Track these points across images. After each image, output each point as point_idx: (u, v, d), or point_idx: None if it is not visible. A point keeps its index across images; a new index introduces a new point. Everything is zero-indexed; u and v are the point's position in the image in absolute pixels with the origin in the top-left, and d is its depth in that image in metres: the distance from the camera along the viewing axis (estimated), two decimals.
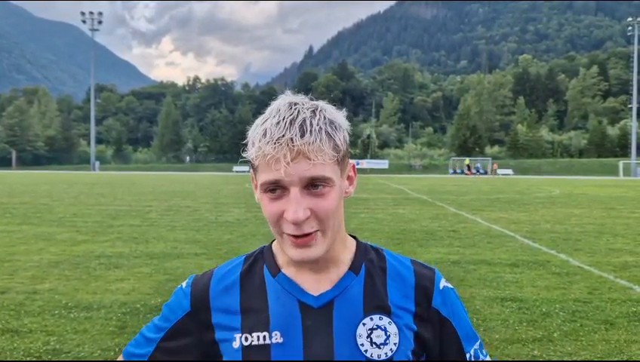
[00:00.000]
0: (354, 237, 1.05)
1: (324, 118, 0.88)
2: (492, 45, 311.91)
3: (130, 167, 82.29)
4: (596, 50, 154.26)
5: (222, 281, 1.02)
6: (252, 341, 0.95)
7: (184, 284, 1.05)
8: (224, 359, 0.98)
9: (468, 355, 1.02)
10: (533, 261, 7.84)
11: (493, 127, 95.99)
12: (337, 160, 0.90)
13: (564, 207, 17.06)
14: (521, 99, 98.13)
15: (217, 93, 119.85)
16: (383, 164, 71.81)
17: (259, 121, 0.90)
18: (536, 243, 9.61)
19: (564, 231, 11.18)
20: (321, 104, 0.92)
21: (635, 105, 69.06)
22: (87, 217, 13.26)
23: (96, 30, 79.96)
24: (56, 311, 5.15)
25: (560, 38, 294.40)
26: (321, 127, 0.86)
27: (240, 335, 0.96)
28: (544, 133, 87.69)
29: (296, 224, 0.87)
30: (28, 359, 4.03)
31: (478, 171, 65.88)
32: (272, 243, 1.05)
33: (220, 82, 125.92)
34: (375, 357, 0.92)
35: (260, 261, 1.03)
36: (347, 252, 1.01)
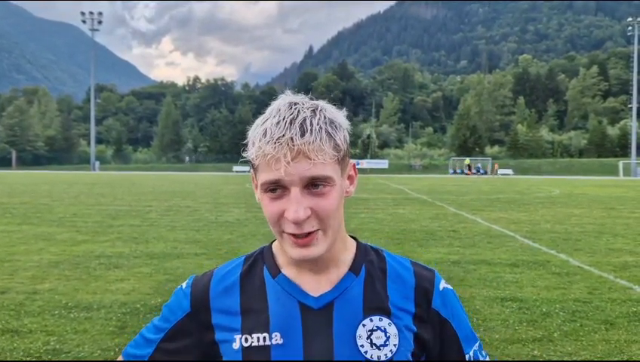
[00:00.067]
0: (354, 238, 1.04)
1: (325, 117, 0.88)
2: (492, 45, 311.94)
3: (130, 167, 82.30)
4: (596, 50, 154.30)
5: (222, 282, 1.01)
6: (252, 342, 0.95)
7: (184, 285, 1.05)
8: (224, 360, 0.98)
9: (467, 356, 1.02)
10: (533, 261, 7.84)
11: (493, 127, 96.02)
12: (338, 159, 0.90)
13: (564, 207, 17.06)
14: (521, 99, 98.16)
15: (217, 93, 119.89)
16: (383, 164, 71.83)
17: (259, 121, 0.90)
18: (536, 243, 9.60)
19: (564, 231, 11.18)
20: (322, 104, 0.92)
21: (635, 105, 69.06)
22: (87, 217, 13.26)
23: (96, 30, 79.96)
24: (56, 311, 5.15)
25: (560, 38, 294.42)
26: (321, 127, 0.86)
27: (240, 336, 0.96)
28: (544, 133, 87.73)
29: (297, 223, 0.87)
30: (28, 359, 4.02)
31: (478, 171, 65.83)
32: (271, 243, 1.05)
33: (220, 82, 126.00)
34: (375, 358, 0.92)
35: (260, 262, 1.03)
36: (347, 252, 1.01)
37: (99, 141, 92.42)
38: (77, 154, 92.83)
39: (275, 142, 0.85)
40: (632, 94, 71.35)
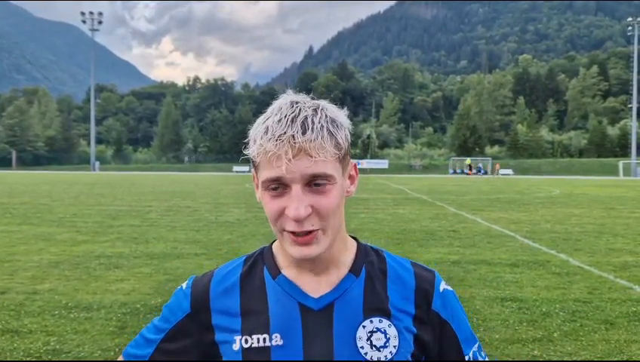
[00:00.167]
0: (354, 239, 1.04)
1: (326, 116, 0.88)
2: (492, 45, 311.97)
3: (130, 167, 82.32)
4: (596, 50, 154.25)
5: (222, 283, 1.01)
6: (252, 343, 0.95)
7: (184, 285, 1.05)
8: (224, 360, 0.98)
9: (467, 357, 1.02)
10: (533, 261, 7.84)
11: (493, 127, 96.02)
12: (339, 158, 0.90)
13: (564, 207, 17.06)
14: (521, 99, 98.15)
15: (217, 93, 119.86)
16: (383, 164, 71.85)
17: (260, 119, 0.91)
18: (536, 243, 9.60)
19: (564, 231, 11.18)
20: (323, 103, 0.92)
21: (635, 105, 69.07)
22: (87, 217, 13.26)
23: (96, 30, 79.98)
24: (56, 312, 5.15)
25: (560, 38, 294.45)
26: (322, 125, 0.87)
27: (240, 337, 0.96)
28: (544, 133, 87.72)
29: (298, 221, 0.87)
30: (28, 359, 4.02)
31: (479, 171, 65.78)
32: (271, 244, 1.05)
33: (220, 82, 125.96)
34: (375, 360, 0.92)
35: (260, 262, 1.03)
36: (348, 253, 1.01)
37: (99, 141, 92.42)
38: (77, 154, 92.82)
39: (276, 140, 0.85)
40: (632, 94, 71.36)
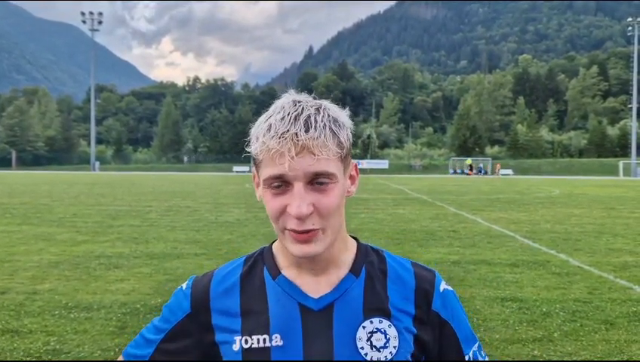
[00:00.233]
0: (355, 239, 1.04)
1: (329, 115, 0.89)
2: (492, 45, 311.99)
3: (130, 167, 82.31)
4: (596, 50, 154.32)
5: (222, 283, 1.01)
6: (252, 343, 0.95)
7: (184, 286, 1.05)
8: (224, 360, 0.98)
9: (467, 357, 1.02)
10: (533, 261, 7.84)
11: (493, 127, 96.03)
12: (341, 157, 0.90)
13: (564, 207, 17.06)
14: (521, 99, 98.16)
15: (217, 93, 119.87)
16: (383, 164, 71.86)
17: (262, 117, 0.91)
18: (536, 243, 9.61)
19: (564, 231, 11.18)
20: (325, 103, 0.93)
21: (635, 105, 69.06)
22: (87, 217, 13.26)
23: (96, 30, 79.98)
24: (57, 312, 5.15)
25: (560, 38, 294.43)
26: (325, 124, 0.87)
27: (240, 337, 0.96)
28: (544, 133, 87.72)
29: (300, 218, 0.87)
30: (28, 359, 4.03)
31: (480, 172, 65.74)
32: (271, 244, 1.05)
33: (219, 82, 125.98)
34: (375, 360, 0.92)
35: (260, 263, 1.03)
36: (348, 253, 1.01)
37: (99, 141, 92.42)
38: (77, 154, 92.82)
39: (279, 137, 0.85)
40: (632, 94, 71.35)
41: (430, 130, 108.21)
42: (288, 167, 0.85)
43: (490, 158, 73.01)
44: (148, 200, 19.01)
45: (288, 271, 0.99)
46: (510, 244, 9.44)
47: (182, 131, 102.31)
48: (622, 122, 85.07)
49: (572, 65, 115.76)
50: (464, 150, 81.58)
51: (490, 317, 5.06)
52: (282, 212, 0.89)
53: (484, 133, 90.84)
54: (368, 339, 0.94)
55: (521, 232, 10.97)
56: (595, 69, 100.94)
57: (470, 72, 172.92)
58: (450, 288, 1.04)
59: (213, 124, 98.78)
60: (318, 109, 0.89)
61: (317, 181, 0.88)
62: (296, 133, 0.85)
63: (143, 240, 9.58)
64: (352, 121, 0.96)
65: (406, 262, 1.03)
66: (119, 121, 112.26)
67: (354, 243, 1.03)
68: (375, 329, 0.94)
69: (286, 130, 0.85)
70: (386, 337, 0.94)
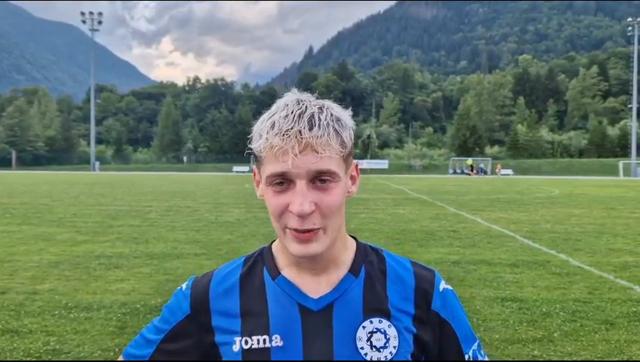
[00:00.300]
0: (354, 238, 1.04)
1: (331, 114, 0.89)
2: (492, 45, 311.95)
3: (130, 167, 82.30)
4: (596, 50, 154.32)
5: (222, 284, 1.01)
6: (252, 344, 0.95)
7: (184, 286, 1.05)
8: (224, 361, 0.98)
9: (467, 356, 1.02)
10: (533, 261, 7.84)
11: (493, 127, 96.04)
12: (343, 156, 0.90)
13: (564, 207, 17.06)
14: (521, 100, 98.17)
15: (217, 93, 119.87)
16: (383, 164, 71.84)
17: (265, 115, 0.91)
18: (536, 243, 9.60)
19: (564, 231, 11.18)
20: (328, 102, 0.93)
21: (635, 105, 69.04)
22: (87, 217, 13.26)
23: (96, 30, 79.94)
24: (56, 312, 5.15)
25: (560, 38, 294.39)
26: (328, 123, 0.87)
27: (240, 338, 0.96)
28: (544, 133, 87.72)
29: (302, 217, 0.87)
30: (28, 359, 4.02)
31: (480, 172, 65.68)
32: (271, 244, 1.05)
33: (219, 82, 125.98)
34: (375, 360, 0.92)
35: (260, 263, 1.03)
36: (347, 253, 1.01)
37: (99, 141, 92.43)
38: (77, 154, 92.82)
39: (283, 134, 0.85)
40: (632, 94, 71.33)
41: (430, 130, 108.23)
42: (292, 164, 0.85)
43: (490, 158, 72.98)
44: (148, 201, 19.01)
45: (288, 271, 0.99)
46: (510, 244, 9.43)
47: (182, 131, 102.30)
48: (622, 122, 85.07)
49: (572, 66, 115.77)
50: (464, 150, 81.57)
51: (490, 317, 5.06)
52: (284, 210, 0.88)
53: (484, 133, 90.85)
54: (368, 339, 0.94)
55: (521, 232, 10.96)
56: (595, 69, 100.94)
57: (470, 72, 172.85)
58: (449, 288, 1.04)
59: (213, 124, 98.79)
60: (321, 108, 0.89)
61: (319, 179, 0.88)
62: (300, 131, 0.85)
63: (143, 240, 9.58)
64: (353, 121, 0.96)
65: (405, 262, 1.03)
66: (119, 121, 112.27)
67: (353, 243, 1.03)
68: (375, 329, 0.94)
69: (290, 127, 0.85)
70: (385, 337, 0.94)
